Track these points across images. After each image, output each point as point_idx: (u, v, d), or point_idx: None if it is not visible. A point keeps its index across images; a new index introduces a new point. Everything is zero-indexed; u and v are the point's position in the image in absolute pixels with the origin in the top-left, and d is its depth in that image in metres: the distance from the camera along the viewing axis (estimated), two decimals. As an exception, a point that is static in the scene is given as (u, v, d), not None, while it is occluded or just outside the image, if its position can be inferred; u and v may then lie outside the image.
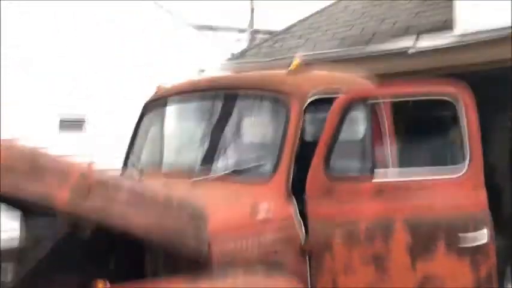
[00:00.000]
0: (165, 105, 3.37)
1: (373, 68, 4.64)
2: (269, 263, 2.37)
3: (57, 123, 7.57)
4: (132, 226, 1.94)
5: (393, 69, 4.70)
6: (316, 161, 2.64)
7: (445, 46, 4.39)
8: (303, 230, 2.57)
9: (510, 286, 4.59)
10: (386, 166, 2.86)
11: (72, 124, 7.83)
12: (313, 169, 2.64)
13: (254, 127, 2.96)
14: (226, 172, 2.74)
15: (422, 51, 4.44)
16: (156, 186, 2.39)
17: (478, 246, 2.61)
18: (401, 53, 4.54)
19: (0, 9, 6.95)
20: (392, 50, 4.65)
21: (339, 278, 2.55)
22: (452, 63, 4.49)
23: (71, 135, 7.66)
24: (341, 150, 2.72)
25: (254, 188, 2.63)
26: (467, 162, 2.67)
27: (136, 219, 1.97)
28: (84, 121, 7.94)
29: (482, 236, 2.62)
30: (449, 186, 2.66)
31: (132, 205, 1.98)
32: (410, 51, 4.44)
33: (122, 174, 3.37)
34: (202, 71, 6.99)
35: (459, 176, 2.67)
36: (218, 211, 2.37)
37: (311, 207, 2.60)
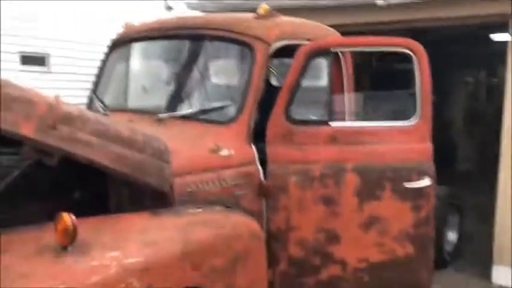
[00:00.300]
0: (132, 43, 3.37)
1: (342, 19, 4.72)
2: (228, 201, 2.50)
3: (19, 58, 7.34)
4: (96, 159, 2.00)
5: (362, 21, 4.79)
6: (278, 106, 2.75)
7: (413, 1, 4.48)
8: (261, 172, 2.70)
9: (450, 233, 4.99)
10: (343, 114, 3.02)
11: (34, 59, 7.61)
12: (274, 114, 2.76)
13: (220, 69, 3.02)
14: (191, 111, 2.82)
15: (391, 5, 4.52)
16: (121, 121, 2.45)
17: (419, 192, 2.82)
18: (370, 5, 4.61)
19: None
20: (361, 2, 4.71)
21: (293, 216, 2.72)
22: (420, 17, 4.61)
23: (34, 71, 7.48)
24: (302, 97, 2.82)
25: (217, 129, 2.73)
26: (417, 115, 2.83)
27: (101, 152, 2.02)
28: (47, 57, 7.71)
29: (425, 184, 2.81)
30: (399, 136, 2.83)
31: (97, 138, 2.04)
32: (379, 3, 4.51)
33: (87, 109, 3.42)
34: (170, 8, 6.85)
35: (408, 128, 2.84)
36: (181, 148, 2.47)
37: (270, 150, 2.75)
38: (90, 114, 2.17)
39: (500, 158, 4.40)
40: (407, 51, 2.82)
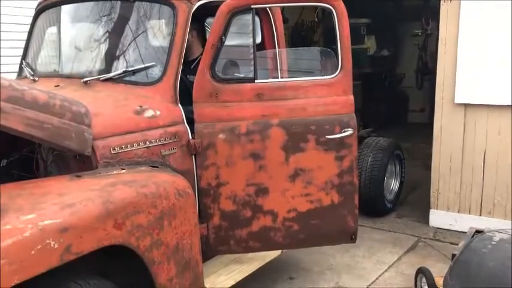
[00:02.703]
0: (57, 6, 3.31)
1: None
2: (156, 161, 2.55)
3: None
4: (9, 125, 2.00)
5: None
6: (203, 65, 2.77)
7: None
8: (189, 131, 2.75)
9: (392, 182, 5.21)
10: (271, 71, 3.07)
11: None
12: (199, 73, 2.78)
13: (144, 30, 2.99)
14: (114, 74, 2.82)
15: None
16: (42, 87, 2.44)
17: (342, 143, 2.94)
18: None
19: None
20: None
21: (222, 172, 2.81)
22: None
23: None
24: (227, 55, 2.86)
25: (142, 90, 2.75)
26: (338, 69, 2.92)
27: (15, 118, 2.02)
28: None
29: (347, 135, 2.93)
30: (321, 90, 2.91)
31: (11, 104, 2.04)
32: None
33: (18, 76, 3.37)
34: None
35: (330, 81, 2.92)
36: (105, 111, 2.49)
37: (197, 109, 2.79)
38: (4, 81, 2.15)
39: (435, 108, 4.60)
40: (328, 5, 2.86)
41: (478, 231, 2.56)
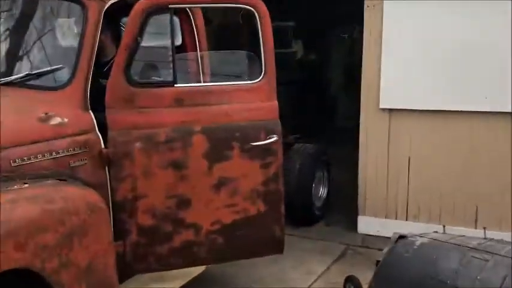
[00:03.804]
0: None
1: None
2: (64, 173, 2.43)
3: None
4: None
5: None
6: (116, 68, 2.69)
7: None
8: (101, 140, 2.65)
9: (320, 189, 5.35)
10: (192, 74, 3.05)
11: None
12: (113, 76, 2.70)
13: (51, 28, 2.87)
14: (17, 77, 2.67)
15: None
16: None
17: (267, 150, 2.97)
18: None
19: None
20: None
21: (139, 184, 2.72)
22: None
23: None
24: (144, 57, 2.81)
25: (49, 95, 2.62)
26: (262, 73, 2.95)
27: None
28: None
29: (273, 142, 2.97)
30: (245, 95, 2.93)
31: None
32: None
33: None
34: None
35: (253, 86, 2.95)
36: (5, 119, 2.33)
37: (111, 116, 2.69)
38: None
39: (360, 113, 4.78)
40: (250, 8, 2.89)
41: (402, 236, 2.69)
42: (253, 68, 3.01)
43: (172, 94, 2.78)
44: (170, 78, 2.78)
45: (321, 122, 9.79)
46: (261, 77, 2.95)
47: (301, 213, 5.00)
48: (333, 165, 5.55)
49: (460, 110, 4.36)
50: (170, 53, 2.76)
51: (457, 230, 3.81)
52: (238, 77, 3.06)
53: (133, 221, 2.74)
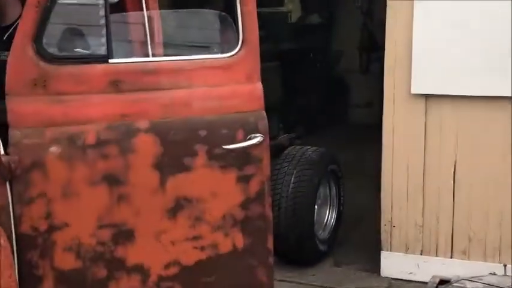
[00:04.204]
0: None
1: None
2: None
3: None
4: None
5: None
6: (21, 35, 2.67)
7: None
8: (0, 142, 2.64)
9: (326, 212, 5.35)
10: (132, 44, 3.03)
11: None
12: (16, 48, 2.68)
13: None
14: None
15: None
16: None
17: (247, 157, 2.99)
18: None
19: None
20: None
21: (56, 207, 2.72)
22: None
23: None
24: (63, 20, 2.81)
25: None
26: (239, 43, 2.97)
27: None
28: None
29: (255, 144, 2.98)
30: (215, 76, 2.96)
31: None
32: None
33: None
34: None
35: (227, 62, 2.97)
36: None
37: (14, 107, 2.68)
38: None
39: (384, 101, 4.78)
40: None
41: (444, 281, 2.69)
42: (227, 36, 3.05)
43: (106, 74, 2.79)
44: (102, 51, 2.78)
45: (328, 114, 9.80)
46: (237, 48, 2.97)
47: (298, 249, 4.98)
48: (345, 177, 5.54)
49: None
50: (102, 13, 2.76)
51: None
52: (204, 49, 3.10)
53: (47, 263, 2.73)
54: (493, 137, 4.53)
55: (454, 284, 2.67)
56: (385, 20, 4.76)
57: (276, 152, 5.15)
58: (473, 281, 2.69)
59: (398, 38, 4.66)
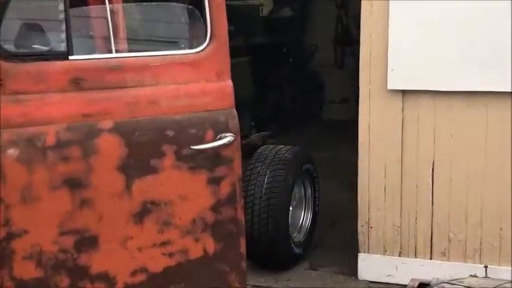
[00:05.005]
0: None
1: None
2: None
3: None
4: None
5: None
6: (-26, 30, 2.65)
7: None
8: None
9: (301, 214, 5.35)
10: (94, 39, 3.00)
11: None
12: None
13: None
14: None
15: None
16: None
17: (218, 157, 3.00)
18: None
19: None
20: None
21: (14, 214, 2.68)
22: None
23: None
24: (20, 14, 2.81)
25: None
26: (207, 38, 2.98)
27: None
28: None
29: (225, 144, 3.00)
30: (183, 72, 2.97)
31: None
32: None
33: None
34: None
35: (194, 58, 2.98)
36: None
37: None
38: None
39: (360, 98, 4.78)
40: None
41: (423, 284, 2.70)
42: (195, 30, 3.05)
43: (66, 72, 2.76)
44: (62, 48, 2.77)
45: (302, 111, 9.84)
46: (206, 43, 2.98)
47: (272, 252, 4.98)
48: (320, 177, 5.55)
49: None
50: (62, 7, 2.74)
51: (504, 271, 3.85)
52: (171, 44, 3.09)
53: (6, 273, 2.69)
54: (472, 134, 4.56)
55: (435, 287, 2.67)
56: (360, 13, 4.77)
57: (248, 151, 5.16)
58: (454, 284, 2.69)
59: (373, 32, 4.67)
